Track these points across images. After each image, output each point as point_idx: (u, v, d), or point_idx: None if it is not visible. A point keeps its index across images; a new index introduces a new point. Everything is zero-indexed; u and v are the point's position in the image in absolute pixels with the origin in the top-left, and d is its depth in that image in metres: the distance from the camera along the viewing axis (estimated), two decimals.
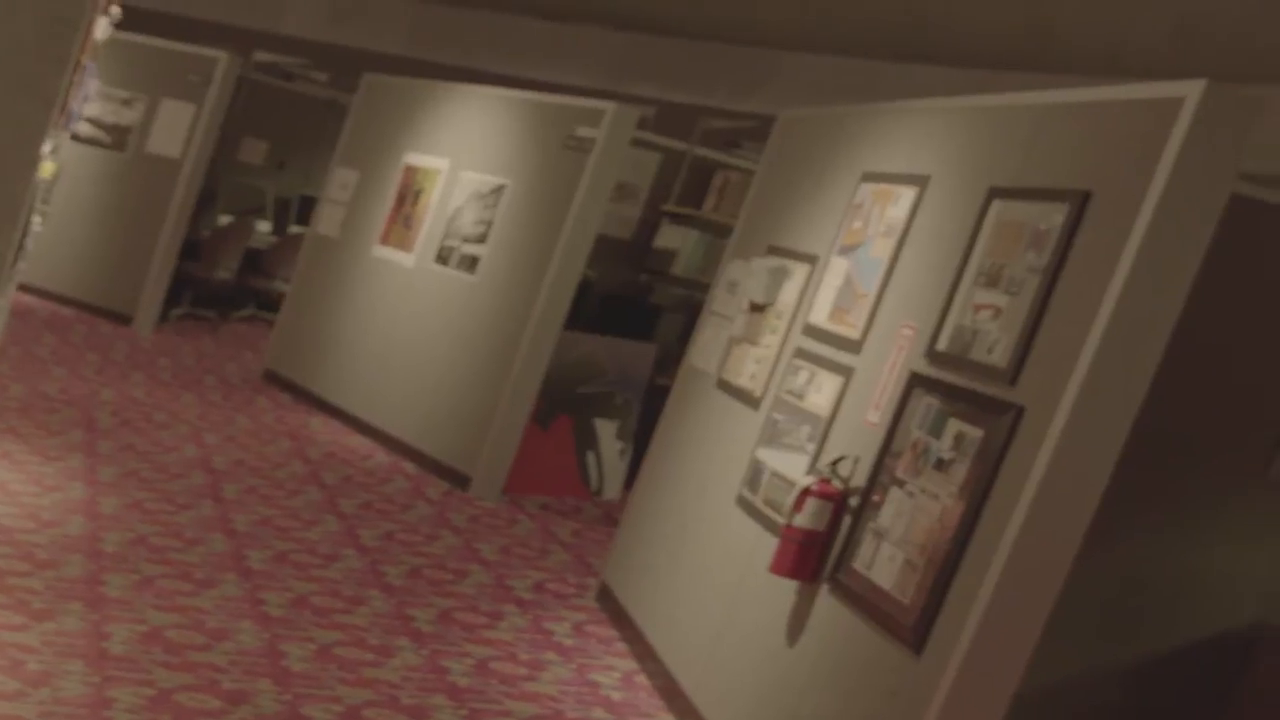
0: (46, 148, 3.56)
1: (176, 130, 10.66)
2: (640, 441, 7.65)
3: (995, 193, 3.90)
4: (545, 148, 7.93)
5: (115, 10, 4.85)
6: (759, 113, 9.21)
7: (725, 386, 5.38)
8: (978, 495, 3.41)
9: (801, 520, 3.98)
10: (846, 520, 3.99)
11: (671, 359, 7.45)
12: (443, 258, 8.36)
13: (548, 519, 7.44)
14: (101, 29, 4.52)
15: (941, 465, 3.61)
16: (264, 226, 12.17)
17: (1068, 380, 3.29)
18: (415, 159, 8.99)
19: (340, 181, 9.66)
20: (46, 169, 4.09)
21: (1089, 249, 3.43)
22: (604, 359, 8.06)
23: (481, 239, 8.11)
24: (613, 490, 8.13)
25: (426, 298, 8.38)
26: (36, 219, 4.40)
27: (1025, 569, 3.25)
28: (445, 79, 9.69)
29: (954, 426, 3.62)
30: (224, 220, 11.74)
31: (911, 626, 3.47)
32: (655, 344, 8.34)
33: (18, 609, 4.42)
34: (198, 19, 13.46)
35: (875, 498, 3.87)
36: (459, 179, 8.49)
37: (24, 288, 9.64)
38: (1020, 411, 3.40)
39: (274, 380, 9.51)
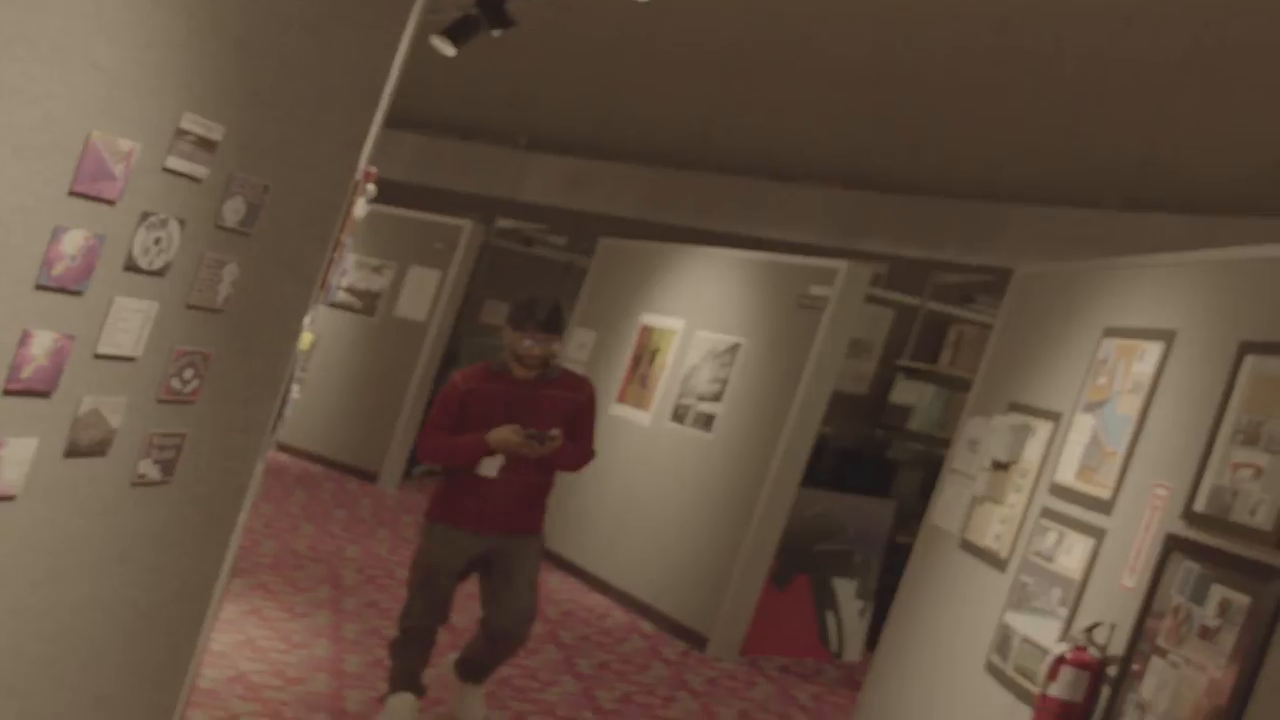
0: (306, 320, 3.79)
1: (423, 295, 11.17)
2: (881, 601, 7.52)
3: (1248, 347, 3.79)
4: (779, 306, 8.02)
5: (372, 189, 5.15)
6: (991, 265, 9.15)
7: (969, 547, 5.27)
8: (1249, 666, 3.25)
9: (1057, 690, 3.84)
10: (1104, 691, 3.84)
11: (910, 516, 7.34)
12: (679, 416, 8.48)
13: (787, 682, 7.34)
14: (360, 209, 4.81)
15: (1206, 634, 3.46)
16: None
17: None
18: (651, 319, 9.19)
19: (578, 342, 9.94)
20: (305, 340, 4.34)
21: None
22: (842, 516, 7.99)
23: (717, 397, 8.20)
24: (853, 652, 7.98)
25: (663, 456, 8.48)
26: (295, 387, 4.66)
27: None
28: (678, 240, 9.94)
29: (1218, 593, 3.48)
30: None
31: None
32: (894, 500, 8.24)
33: None
34: (443, 189, 14.16)
35: (1135, 667, 3.72)
36: (694, 338, 8.64)
37: (281, 447, 10.12)
38: None
39: None
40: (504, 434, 5.00)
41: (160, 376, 3.13)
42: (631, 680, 6.72)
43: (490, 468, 5.08)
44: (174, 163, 2.96)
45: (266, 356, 3.42)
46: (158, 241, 2.97)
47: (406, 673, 5.19)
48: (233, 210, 3.15)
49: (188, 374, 3.19)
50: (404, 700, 5.15)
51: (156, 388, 3.14)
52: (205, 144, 3.01)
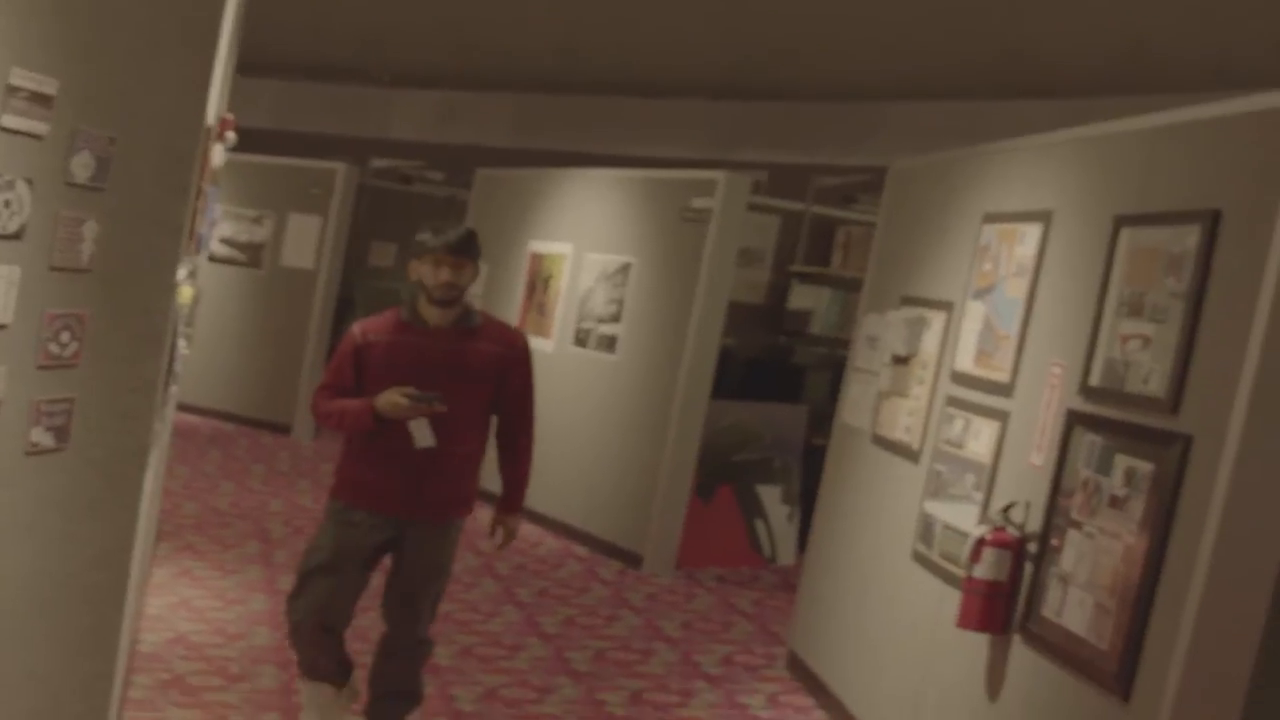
0: (182, 273, 3.71)
1: (307, 242, 11.00)
2: (806, 503, 7.63)
3: (1122, 220, 3.87)
4: (664, 222, 8.03)
5: (230, 136, 5.04)
6: (870, 165, 9.22)
7: (881, 441, 5.37)
8: (1160, 529, 3.37)
9: (982, 571, 3.95)
10: (1027, 567, 3.94)
11: (823, 418, 7.43)
12: (581, 340, 8.48)
13: (726, 590, 7.46)
14: (218, 156, 4.70)
15: (1116, 502, 3.57)
16: None
17: (1231, 401, 3.24)
18: (539, 246, 9.15)
19: None
20: (185, 294, 4.25)
21: (1228, 266, 3.38)
22: (756, 425, 8.08)
23: (616, 318, 8.21)
24: (786, 555, 8.12)
25: (571, 381, 8.48)
26: (182, 343, 4.56)
27: (1223, 599, 3.20)
28: (556, 165, 9.87)
29: (1122, 462, 3.58)
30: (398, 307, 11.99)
31: (1114, 672, 3.42)
32: (805, 405, 8.33)
33: None
34: (312, 133, 13.88)
35: (1054, 542, 3.83)
36: (584, 261, 8.63)
37: (185, 407, 9.97)
38: (1189, 440, 3.35)
39: None
40: (390, 397, 4.15)
41: (36, 342, 3.06)
42: (572, 604, 6.78)
43: (424, 434, 4.24)
44: (10, 120, 2.86)
45: (145, 314, 3.35)
46: (7, 204, 2.89)
47: (310, 663, 4.43)
48: (81, 165, 3.06)
49: (64, 337, 3.11)
50: (318, 690, 4.44)
51: (34, 354, 3.06)
52: (40, 99, 2.91)
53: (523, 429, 4.49)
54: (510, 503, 4.52)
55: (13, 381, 3.00)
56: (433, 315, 4.30)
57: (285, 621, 4.41)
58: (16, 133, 2.87)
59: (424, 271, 4.26)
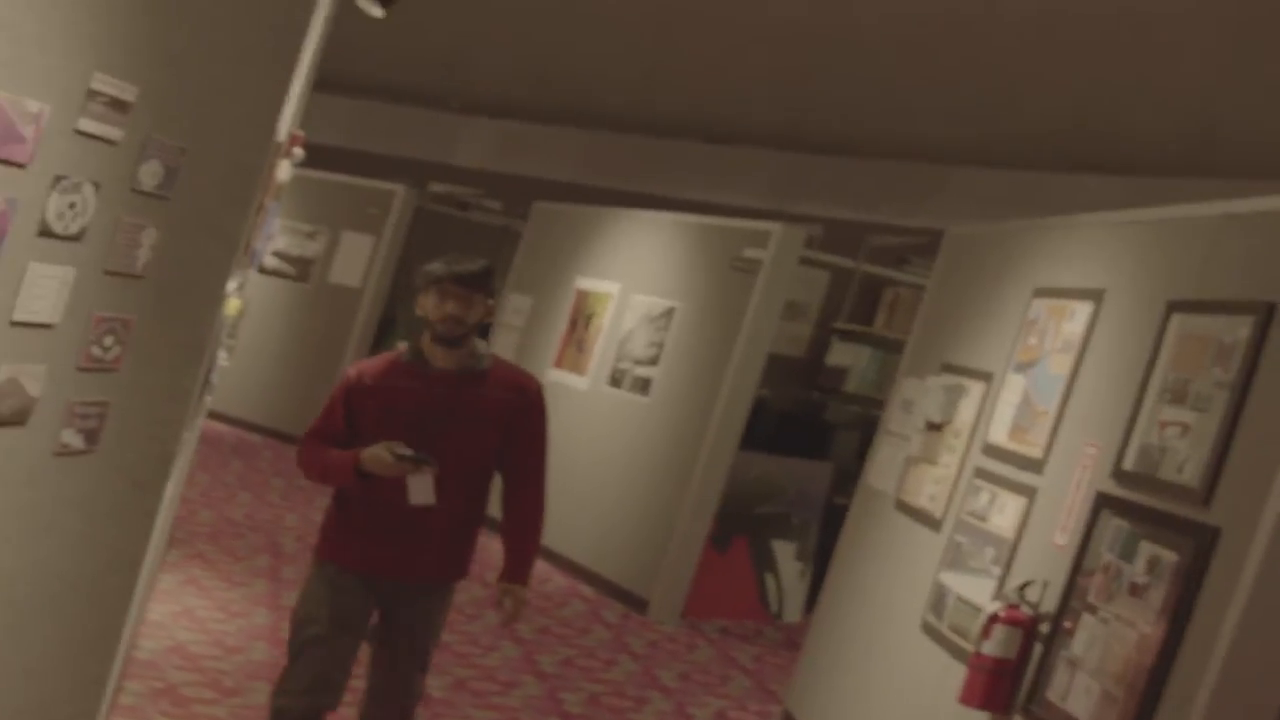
0: (231, 285, 3.73)
1: (357, 261, 11.08)
2: (820, 562, 7.56)
3: (1175, 306, 3.82)
4: (714, 269, 8.01)
5: (298, 152, 5.06)
6: (925, 228, 9.19)
7: (904, 507, 5.30)
8: (1178, 621, 3.29)
9: (990, 648, 3.88)
10: (1037, 648, 3.87)
11: (848, 477, 7.38)
12: (616, 380, 8.46)
13: (728, 644, 7.38)
14: (284, 171, 4.73)
15: (1136, 590, 3.50)
16: None
17: (1265, 497, 3.17)
18: (586, 283, 9.15)
19: (514, 307, 9.89)
20: (232, 306, 4.27)
21: (1277, 361, 3.32)
22: (780, 479, 8.02)
23: (654, 361, 8.19)
24: (793, 613, 8.03)
25: (601, 420, 8.47)
26: (222, 354, 4.59)
27: (1235, 697, 3.11)
28: (613, 204, 9.90)
29: (1147, 549, 3.51)
30: (403, 346, 12.09)
31: None
32: (831, 463, 8.28)
33: None
34: (375, 154, 14.01)
35: (1067, 624, 3.75)
36: (630, 302, 8.62)
37: (213, 414, 10.03)
38: (1216, 533, 3.29)
39: None
40: (377, 453, 3.70)
41: (80, 344, 3.06)
42: (573, 644, 6.73)
43: (421, 492, 3.80)
44: (86, 125, 2.88)
45: (190, 323, 3.36)
46: (72, 206, 2.90)
47: None
48: (149, 173, 3.08)
49: (108, 341, 3.12)
50: None
51: (76, 355, 3.07)
52: (118, 105, 2.93)
53: (530, 488, 4.02)
54: (515, 572, 3.99)
55: (51, 382, 3.00)
56: (436, 356, 3.86)
57: (271, 701, 3.93)
58: (91, 136, 2.90)
59: (429, 305, 3.82)
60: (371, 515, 3.87)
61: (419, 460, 3.71)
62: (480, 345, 3.94)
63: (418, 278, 3.88)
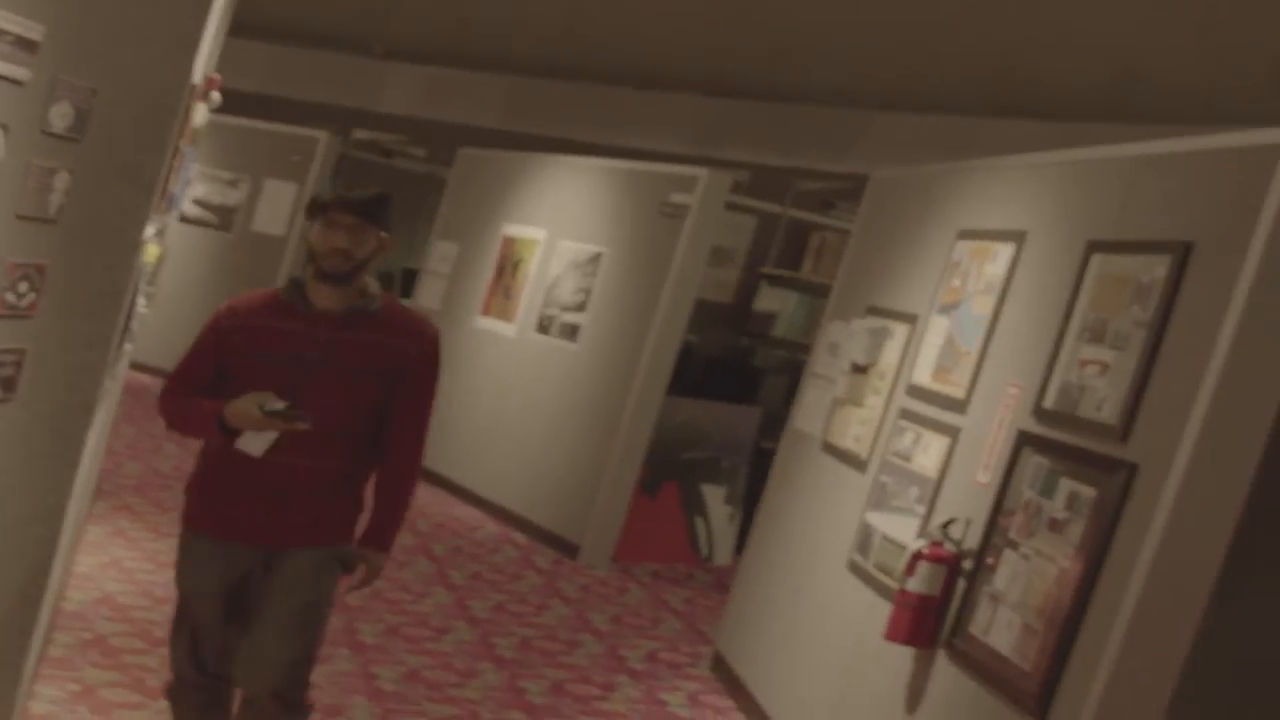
0: (149, 231, 3.67)
1: (280, 209, 10.94)
2: (748, 506, 7.63)
3: (1094, 246, 3.87)
4: (641, 215, 8.00)
5: (215, 96, 4.96)
6: (851, 173, 9.22)
7: (831, 449, 5.36)
8: (1095, 556, 3.36)
9: (915, 585, 3.94)
10: (960, 584, 3.94)
11: (776, 422, 7.43)
12: (544, 327, 8.45)
13: (659, 587, 7.43)
14: (200, 115, 4.64)
15: (1056, 526, 3.56)
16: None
17: (1181, 435, 3.23)
18: (513, 230, 9.11)
19: (440, 254, 9.82)
20: (151, 253, 4.20)
21: (1194, 301, 3.38)
22: (708, 424, 8.06)
23: (581, 307, 8.18)
24: (723, 556, 8.10)
25: (529, 367, 8.46)
26: (141, 301, 4.51)
27: (1150, 631, 3.18)
28: (539, 150, 9.84)
29: (1066, 486, 3.58)
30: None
31: (1035, 693, 3.41)
32: (759, 407, 8.33)
33: (134, 687, 4.53)
34: (297, 100, 13.80)
35: (989, 560, 3.82)
36: (557, 248, 8.59)
37: (138, 366, 9.88)
38: (1134, 469, 3.35)
39: None
40: (243, 406, 3.28)
41: None
42: (504, 590, 6.75)
43: (254, 442, 3.34)
44: None
45: (106, 269, 3.31)
46: None
47: None
48: (60, 115, 3.02)
49: (22, 287, 3.07)
50: None
51: None
52: (25, 44, 2.86)
53: (406, 447, 3.54)
54: (374, 536, 3.54)
55: None
56: (320, 295, 3.41)
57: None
58: None
59: (315, 237, 3.38)
60: (229, 473, 3.43)
61: (290, 415, 3.26)
62: (372, 285, 3.47)
63: (305, 208, 3.45)
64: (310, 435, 3.32)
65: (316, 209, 3.40)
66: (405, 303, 11.38)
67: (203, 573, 3.47)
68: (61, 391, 3.28)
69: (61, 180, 3.09)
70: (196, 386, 3.45)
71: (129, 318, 3.86)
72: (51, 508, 3.36)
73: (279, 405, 3.27)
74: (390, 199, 3.46)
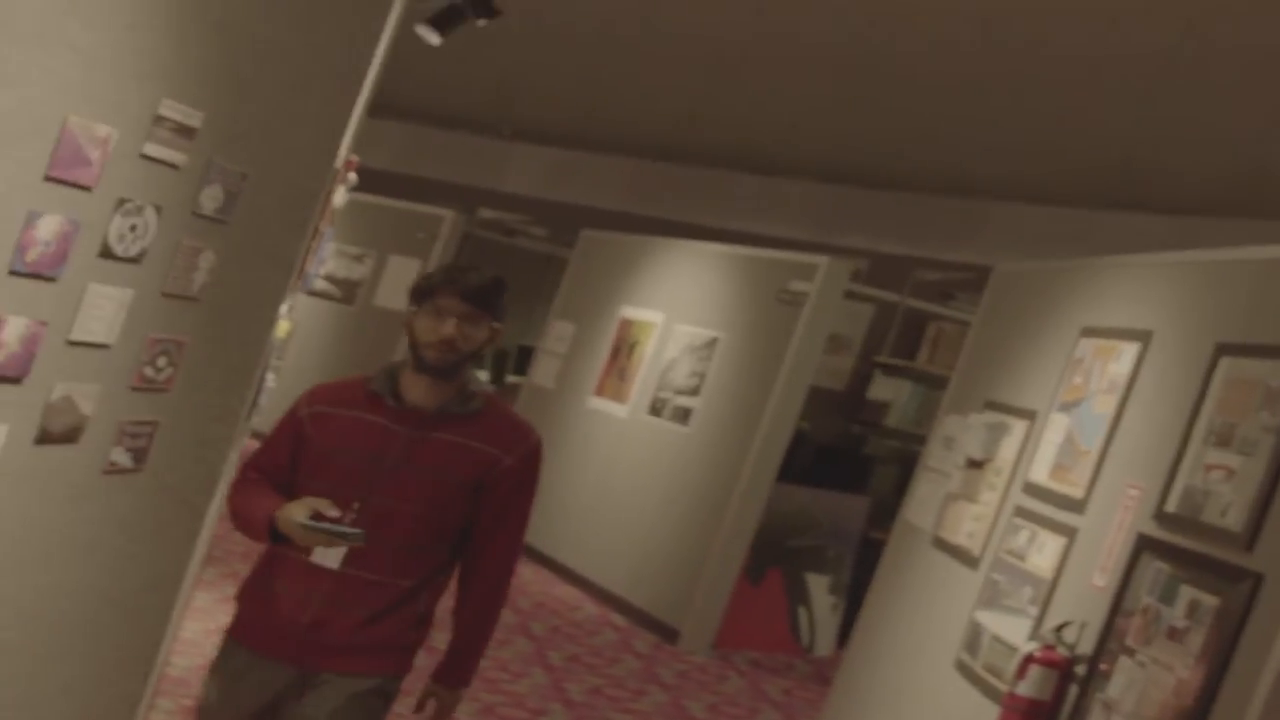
0: (283, 308, 3.78)
1: (403, 284, 11.09)
2: (853, 597, 7.55)
3: (1223, 349, 3.80)
4: (758, 301, 8.03)
5: (352, 177, 5.11)
6: (971, 263, 9.17)
7: (942, 544, 5.29)
8: (1216, 667, 3.27)
9: (1025, 689, 3.86)
10: (1072, 689, 3.86)
11: (886, 512, 7.37)
12: (656, 409, 8.49)
13: (758, 676, 7.36)
14: (339, 197, 4.79)
15: (1175, 634, 3.48)
16: (483, 376, 12.55)
17: None
18: (630, 312, 9.19)
19: (557, 334, 9.93)
20: (282, 328, 4.32)
21: None
22: (817, 512, 8.01)
23: (695, 391, 8.21)
24: (825, 647, 8.00)
25: (640, 449, 8.49)
26: (270, 376, 4.64)
27: None
28: (659, 233, 9.94)
29: (1187, 593, 3.49)
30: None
31: None
32: (869, 497, 8.26)
33: None
34: (426, 178, 14.13)
35: (1103, 666, 3.74)
36: (673, 332, 8.65)
37: (256, 435, 10.12)
38: (1259, 579, 3.27)
39: None
40: (292, 511, 2.85)
41: (134, 364, 3.12)
42: (602, 673, 6.73)
43: (329, 553, 2.94)
44: (152, 149, 2.94)
45: (242, 345, 3.41)
46: (134, 228, 2.96)
47: None
48: (210, 198, 3.14)
49: (161, 362, 3.17)
50: None
51: (129, 375, 3.12)
52: (184, 130, 2.99)
53: (492, 570, 3.11)
54: (447, 671, 3.14)
55: (103, 401, 3.05)
56: (416, 390, 3.01)
57: None
58: (156, 161, 2.96)
59: (421, 324, 2.98)
60: (286, 577, 3.00)
61: (336, 534, 2.83)
62: (475, 382, 3.09)
63: (410, 291, 3.06)
64: (379, 547, 2.91)
65: (424, 292, 3.00)
66: (520, 380, 11.52)
67: (231, 690, 3.02)
68: (189, 464, 3.37)
69: (207, 260, 3.20)
70: (272, 478, 3.06)
71: (258, 392, 3.97)
72: (169, 577, 3.44)
73: (326, 520, 2.83)
74: (505, 284, 3.06)
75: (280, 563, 3.01)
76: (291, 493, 2.98)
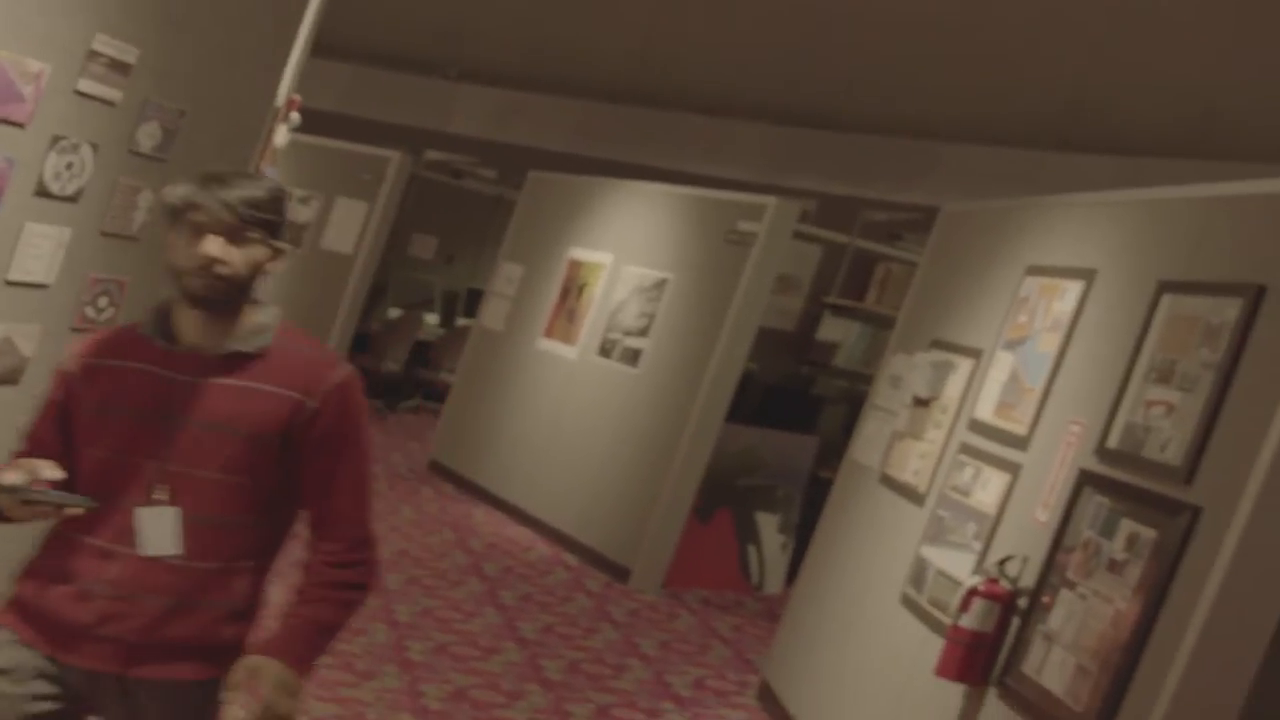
0: None
1: (350, 227, 11.05)
2: (802, 535, 7.61)
3: (1165, 287, 3.85)
4: (707, 242, 8.03)
5: (295, 117, 5.04)
6: (920, 204, 9.21)
7: (888, 482, 5.34)
8: (1153, 599, 3.33)
9: (968, 621, 3.92)
10: (1015, 622, 3.92)
11: (834, 451, 7.42)
12: (605, 350, 8.49)
13: (708, 614, 7.43)
14: (281, 136, 4.73)
15: (1114, 567, 3.54)
16: (432, 319, 12.51)
17: (1246, 479, 3.20)
18: (579, 254, 9.16)
19: (506, 276, 9.90)
20: None
21: (1265, 344, 3.36)
22: (765, 452, 8.06)
23: (644, 332, 8.22)
24: (774, 585, 8.08)
25: (589, 390, 8.50)
26: None
27: (1206, 675, 3.15)
28: (608, 175, 9.90)
29: (1127, 527, 3.55)
30: (394, 313, 12.11)
31: None
32: (817, 436, 8.32)
33: None
34: (372, 120, 13.99)
35: (1045, 599, 3.80)
36: (622, 273, 8.64)
37: None
38: (1197, 512, 3.33)
39: (439, 470, 9.72)
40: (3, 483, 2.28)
41: (74, 304, 3.09)
42: (554, 612, 6.77)
43: (157, 533, 2.40)
44: (86, 85, 2.90)
45: None
46: (70, 166, 2.92)
47: None
48: (148, 135, 3.10)
49: (102, 302, 3.14)
50: None
51: (70, 315, 3.10)
52: (119, 66, 2.95)
53: (329, 534, 2.50)
54: (274, 643, 2.42)
55: (44, 341, 3.03)
56: (190, 328, 2.46)
57: None
58: (91, 98, 2.92)
59: (178, 247, 2.40)
60: (75, 559, 2.41)
61: (54, 501, 2.29)
62: (263, 314, 2.53)
63: (161, 208, 2.46)
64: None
65: (176, 209, 2.39)
66: (469, 322, 11.49)
67: (13, 687, 2.38)
68: None
69: (145, 199, 3.17)
70: (43, 453, 2.44)
71: None
72: None
73: (32, 490, 2.26)
74: (284, 195, 2.51)
75: (66, 541, 2.44)
76: (72, 468, 2.41)
